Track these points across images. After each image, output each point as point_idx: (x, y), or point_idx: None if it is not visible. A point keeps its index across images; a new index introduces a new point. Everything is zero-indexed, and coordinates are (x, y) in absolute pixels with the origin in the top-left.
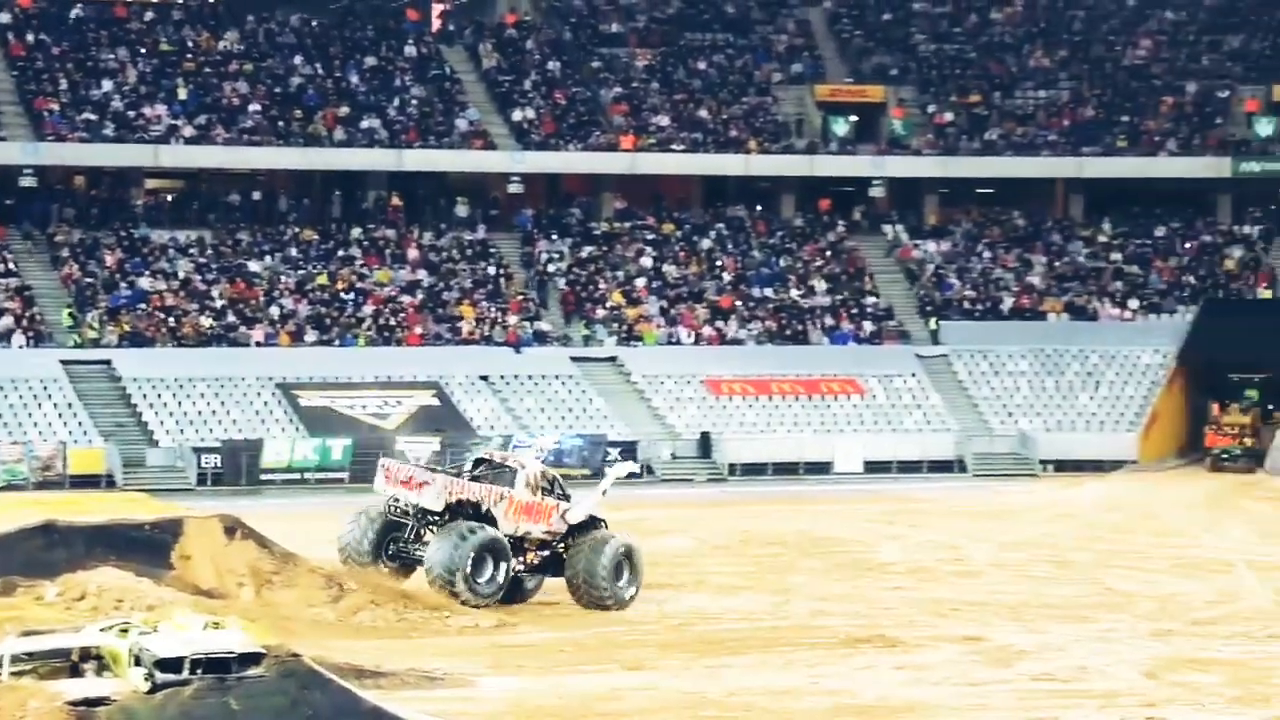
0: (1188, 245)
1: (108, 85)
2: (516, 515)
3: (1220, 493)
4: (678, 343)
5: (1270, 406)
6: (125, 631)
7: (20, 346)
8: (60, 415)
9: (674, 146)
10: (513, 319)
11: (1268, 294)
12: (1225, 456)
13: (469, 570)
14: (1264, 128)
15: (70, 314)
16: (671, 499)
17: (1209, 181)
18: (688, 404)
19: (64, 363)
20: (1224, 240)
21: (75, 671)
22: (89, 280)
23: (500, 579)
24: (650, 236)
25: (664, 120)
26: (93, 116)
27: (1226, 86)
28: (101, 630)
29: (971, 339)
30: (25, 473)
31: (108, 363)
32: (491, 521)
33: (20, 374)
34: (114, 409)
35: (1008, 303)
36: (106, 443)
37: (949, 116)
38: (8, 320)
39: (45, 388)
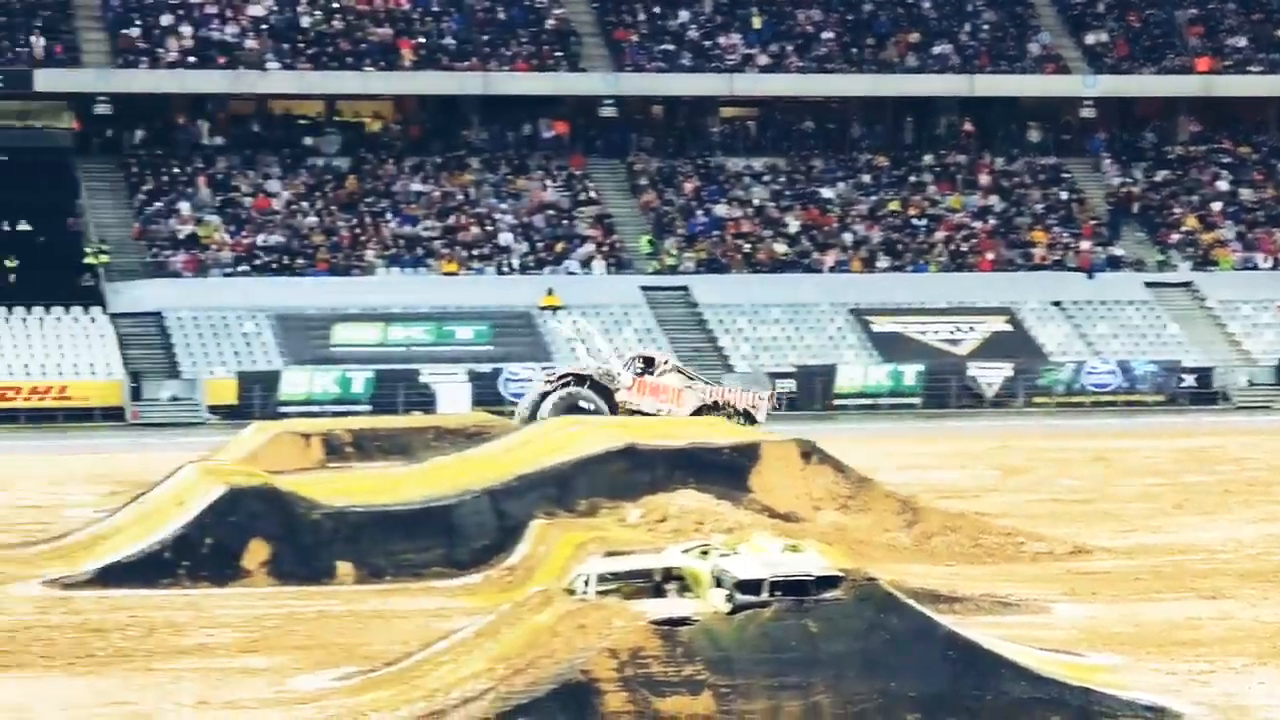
0: None
1: (684, 15)
2: None
3: None
4: (1254, 268)
5: None
6: (706, 554)
7: (601, 273)
8: (640, 340)
9: (1251, 68)
10: (1085, 244)
11: None
12: None
13: None
14: None
15: (649, 241)
16: (1248, 427)
17: None
18: (1265, 330)
19: (644, 289)
20: None
21: (658, 592)
22: (666, 208)
23: None
24: (1226, 160)
25: (1241, 42)
26: (670, 47)
27: None
28: (683, 552)
29: None
30: None
31: (684, 289)
32: None
33: (602, 299)
34: (691, 334)
35: None
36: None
37: None
38: (589, 247)
39: (626, 313)
